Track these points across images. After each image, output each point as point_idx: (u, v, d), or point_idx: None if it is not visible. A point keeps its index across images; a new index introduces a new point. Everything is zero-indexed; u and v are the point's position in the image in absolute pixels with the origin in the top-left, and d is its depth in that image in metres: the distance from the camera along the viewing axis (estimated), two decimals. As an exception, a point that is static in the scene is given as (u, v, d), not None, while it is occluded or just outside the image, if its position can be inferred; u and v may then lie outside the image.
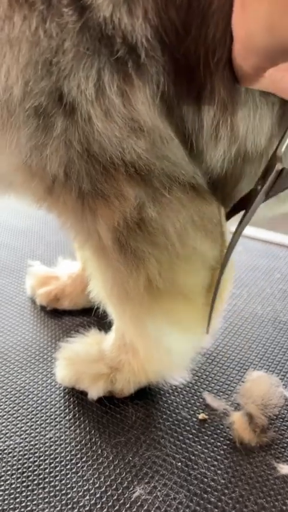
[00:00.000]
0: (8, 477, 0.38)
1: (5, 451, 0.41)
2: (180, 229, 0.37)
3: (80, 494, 0.37)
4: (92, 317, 0.59)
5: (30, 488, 0.37)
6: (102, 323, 0.57)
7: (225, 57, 0.33)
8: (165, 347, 0.44)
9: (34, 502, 0.36)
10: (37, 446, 0.41)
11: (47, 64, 0.32)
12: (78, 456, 0.40)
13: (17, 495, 0.37)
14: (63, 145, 0.34)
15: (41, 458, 0.40)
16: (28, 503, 0.36)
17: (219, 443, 0.42)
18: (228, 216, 0.41)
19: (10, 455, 0.40)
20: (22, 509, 0.36)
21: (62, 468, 0.39)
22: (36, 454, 0.40)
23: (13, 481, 0.38)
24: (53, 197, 0.37)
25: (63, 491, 0.37)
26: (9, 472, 0.39)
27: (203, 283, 0.41)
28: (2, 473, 0.39)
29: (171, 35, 0.32)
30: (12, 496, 0.37)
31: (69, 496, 0.37)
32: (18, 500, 0.37)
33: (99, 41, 0.31)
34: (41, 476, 0.38)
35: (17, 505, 0.36)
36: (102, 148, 0.34)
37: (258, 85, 0.33)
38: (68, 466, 0.39)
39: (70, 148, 0.34)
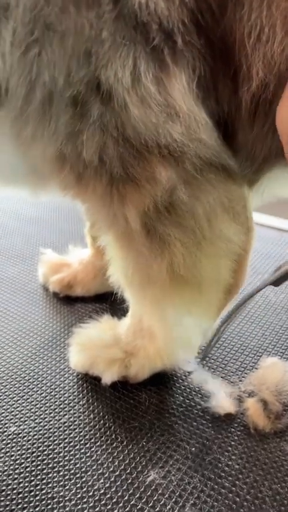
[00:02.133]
0: (23, 460, 0.39)
1: (20, 435, 0.41)
2: (209, 211, 0.38)
3: (95, 477, 0.37)
4: (104, 303, 0.59)
5: (45, 471, 0.38)
6: (115, 309, 0.57)
7: (263, 38, 0.33)
8: (183, 332, 0.44)
9: (49, 485, 0.37)
10: (51, 430, 0.41)
11: (87, 53, 0.33)
12: (92, 440, 0.40)
13: (32, 478, 0.37)
14: (98, 131, 0.34)
15: (55, 442, 0.40)
16: (43, 486, 0.37)
17: (233, 429, 0.42)
18: None
19: (25, 439, 0.41)
20: (37, 492, 0.36)
21: (77, 452, 0.39)
22: (51, 438, 0.41)
23: (28, 465, 0.38)
24: (82, 184, 0.38)
25: (78, 475, 0.37)
26: (24, 456, 0.39)
27: (224, 270, 0.41)
28: (17, 457, 0.39)
29: (208, 17, 0.33)
30: (27, 479, 0.37)
31: (83, 479, 0.37)
32: (33, 483, 0.37)
33: (135, 29, 0.32)
34: (56, 459, 0.39)
35: (32, 488, 0.36)
36: (137, 132, 0.34)
37: None
38: (82, 450, 0.39)
39: (105, 133, 0.34)
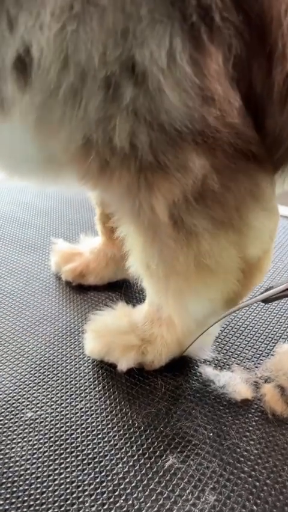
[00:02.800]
0: (40, 445, 0.39)
1: (37, 420, 0.41)
2: (239, 200, 0.37)
3: (113, 462, 0.37)
4: (116, 292, 0.59)
5: (63, 456, 0.38)
6: (129, 296, 0.57)
7: None
8: (203, 322, 0.44)
9: (68, 470, 0.36)
10: (68, 416, 0.41)
11: (125, 31, 0.31)
12: (109, 426, 0.40)
13: (50, 463, 0.37)
14: (131, 115, 0.33)
15: (72, 427, 0.40)
16: (62, 471, 0.36)
17: (250, 415, 0.41)
18: None
19: (41, 424, 0.40)
20: (56, 477, 0.36)
21: (94, 437, 0.39)
22: (68, 424, 0.40)
23: (46, 449, 0.38)
24: (106, 173, 0.36)
25: (96, 459, 0.37)
26: (41, 441, 0.39)
27: (247, 260, 0.41)
28: (35, 442, 0.39)
29: None
30: (45, 464, 0.37)
31: (102, 463, 0.37)
32: (51, 467, 0.37)
33: (172, 4, 0.31)
34: (73, 444, 0.39)
35: (50, 472, 0.36)
36: (171, 117, 0.33)
37: None
38: (100, 435, 0.39)
39: (138, 118, 0.33)
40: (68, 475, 0.36)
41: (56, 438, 0.39)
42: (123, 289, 0.59)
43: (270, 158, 0.39)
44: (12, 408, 0.42)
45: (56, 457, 0.38)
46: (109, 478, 0.36)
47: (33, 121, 0.36)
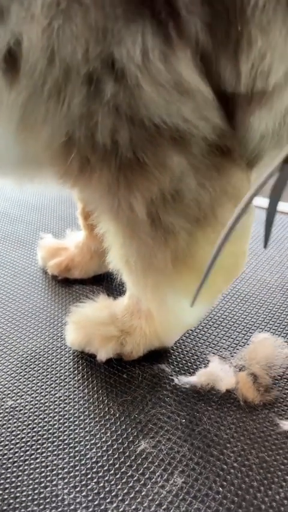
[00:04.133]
0: (19, 432, 0.40)
1: (16, 408, 0.42)
2: (213, 198, 0.38)
3: (87, 447, 0.39)
4: (101, 285, 0.60)
5: (39, 442, 0.39)
6: (111, 289, 0.58)
7: (260, 4, 0.33)
8: (180, 315, 0.45)
9: (43, 455, 0.38)
10: (47, 404, 0.43)
11: (105, 30, 0.32)
12: (86, 413, 0.42)
13: (27, 448, 0.39)
14: (112, 111, 0.34)
15: (50, 415, 0.42)
16: (38, 456, 0.38)
17: (223, 402, 0.43)
18: None
19: (21, 412, 0.42)
20: (32, 461, 0.37)
21: (70, 424, 0.41)
22: (46, 411, 0.42)
23: (23, 436, 0.40)
24: (86, 171, 0.37)
25: (71, 445, 0.39)
26: (20, 428, 0.40)
27: (224, 258, 0.41)
28: (14, 429, 0.40)
29: None
30: (22, 449, 0.38)
31: (76, 449, 0.38)
32: (28, 453, 0.38)
33: (142, 3, 0.32)
34: (50, 431, 0.40)
35: (27, 457, 0.38)
36: (150, 112, 0.34)
37: None
38: (76, 422, 0.41)
39: (119, 114, 0.34)
40: (43, 460, 0.38)
41: (34, 426, 0.41)
42: (107, 283, 0.60)
43: (244, 154, 0.40)
44: (-6, 397, 0.44)
45: (32, 443, 0.39)
46: (82, 462, 0.37)
47: (16, 120, 0.36)
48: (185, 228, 0.39)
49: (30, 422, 0.41)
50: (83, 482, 0.36)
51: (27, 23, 0.32)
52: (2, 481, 0.36)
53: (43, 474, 0.36)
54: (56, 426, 0.40)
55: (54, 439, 0.39)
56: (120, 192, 0.37)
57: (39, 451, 0.38)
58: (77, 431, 0.40)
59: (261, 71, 0.35)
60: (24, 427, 0.40)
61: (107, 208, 0.40)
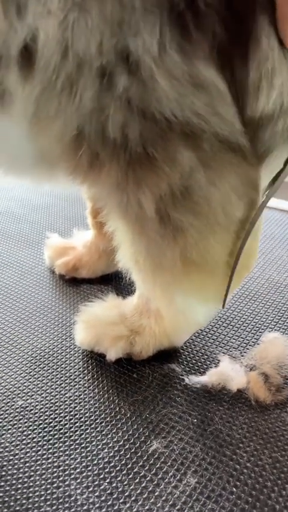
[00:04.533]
0: (29, 432, 0.40)
1: (27, 408, 0.42)
2: (225, 196, 0.38)
3: (99, 447, 0.38)
4: (109, 284, 0.60)
5: (51, 442, 0.39)
6: (120, 289, 0.58)
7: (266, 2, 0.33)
8: (190, 315, 0.45)
9: (55, 455, 0.38)
10: (57, 404, 0.43)
11: (121, 21, 0.32)
12: (97, 413, 0.41)
13: (39, 448, 0.38)
14: (124, 104, 0.34)
15: (61, 415, 0.41)
16: (49, 456, 0.38)
17: (234, 401, 0.42)
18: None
19: (31, 412, 0.42)
20: (43, 461, 0.37)
21: (81, 424, 0.40)
22: (57, 411, 0.42)
23: (34, 436, 0.39)
24: (95, 166, 0.37)
25: (83, 445, 0.39)
26: (30, 427, 0.40)
27: (233, 256, 0.42)
28: (24, 429, 0.40)
29: None
30: (34, 449, 0.38)
31: (88, 449, 0.38)
32: (40, 452, 0.38)
33: None
34: (61, 431, 0.40)
35: (38, 457, 0.38)
36: (162, 106, 0.34)
37: None
38: (87, 422, 0.41)
39: (130, 108, 0.34)
40: (55, 460, 0.37)
41: (45, 425, 0.40)
42: (115, 282, 0.60)
43: (255, 151, 0.40)
44: (4, 397, 0.43)
45: (44, 443, 0.39)
46: (94, 462, 0.37)
47: (30, 114, 0.36)
48: (194, 225, 0.38)
49: (41, 422, 0.41)
50: (96, 483, 0.36)
51: (43, 18, 0.31)
52: (14, 481, 0.36)
53: (55, 474, 0.36)
54: (67, 426, 0.40)
55: (66, 439, 0.39)
56: (129, 188, 0.37)
57: (50, 451, 0.38)
58: (88, 431, 0.40)
59: (265, 72, 0.35)
60: (35, 427, 0.40)
61: (115, 205, 0.40)
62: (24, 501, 0.34)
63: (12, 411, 0.42)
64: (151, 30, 0.32)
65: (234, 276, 0.43)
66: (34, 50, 0.32)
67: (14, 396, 0.43)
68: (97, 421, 0.41)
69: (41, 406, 0.42)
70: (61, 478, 0.36)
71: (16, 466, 0.37)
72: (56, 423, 0.41)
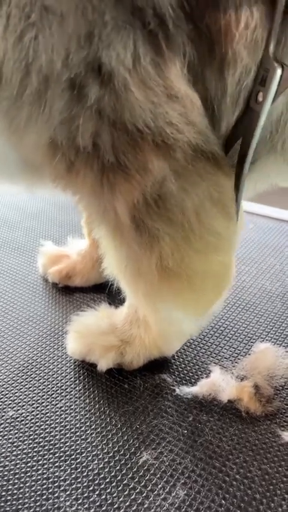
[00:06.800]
0: (20, 443, 0.40)
1: (17, 419, 0.42)
2: (198, 204, 0.38)
3: (89, 459, 0.38)
4: (102, 293, 0.60)
5: (40, 453, 0.39)
6: (113, 298, 0.58)
7: (251, 25, 0.35)
8: (176, 324, 0.45)
9: (45, 466, 0.38)
10: (48, 414, 0.43)
11: (88, 35, 0.32)
12: (87, 424, 0.42)
13: (29, 459, 0.38)
14: (95, 115, 0.34)
15: (52, 425, 0.41)
16: (39, 467, 0.38)
17: (225, 412, 0.42)
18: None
19: (22, 422, 0.42)
20: (33, 473, 0.37)
21: (72, 435, 0.40)
22: (47, 422, 0.42)
23: (24, 447, 0.39)
24: (72, 173, 0.37)
25: (73, 456, 0.39)
26: (21, 439, 0.40)
27: (213, 264, 0.42)
28: (14, 440, 0.40)
29: (192, 3, 0.34)
30: (24, 461, 0.38)
31: (78, 460, 0.38)
32: (29, 464, 0.38)
33: (132, 13, 0.32)
34: (52, 442, 0.40)
35: (28, 469, 0.38)
36: (135, 115, 0.34)
37: None
38: (78, 433, 0.41)
39: (101, 117, 0.34)
40: (44, 471, 0.37)
41: (35, 436, 0.40)
42: (108, 291, 0.60)
43: (229, 161, 0.40)
44: (-5, 407, 0.43)
45: (34, 454, 0.39)
46: (84, 473, 0.37)
47: (4, 127, 0.37)
48: (169, 233, 0.39)
49: (31, 433, 0.41)
50: (85, 495, 0.36)
51: None
52: (3, 493, 0.36)
53: (45, 486, 0.36)
54: (57, 437, 0.40)
55: (56, 450, 0.39)
56: (104, 195, 0.38)
57: (40, 462, 0.38)
58: (78, 442, 0.40)
59: (246, 86, 0.36)
60: (25, 438, 0.40)
61: (95, 212, 0.41)
62: (13, 513, 0.34)
63: (2, 422, 0.42)
64: (125, 44, 0.33)
65: (212, 286, 0.43)
66: None
67: (5, 406, 0.43)
68: (88, 432, 0.41)
69: (32, 417, 0.42)
70: (51, 490, 0.36)
71: (6, 478, 0.37)
72: (46, 435, 0.41)
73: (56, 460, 0.38)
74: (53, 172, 0.38)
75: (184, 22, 0.34)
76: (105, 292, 0.60)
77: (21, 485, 0.36)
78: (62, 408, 0.43)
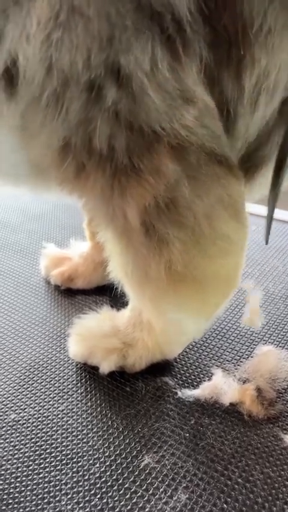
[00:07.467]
0: (21, 446, 0.40)
1: (19, 422, 0.42)
2: (209, 208, 0.38)
3: (90, 462, 0.38)
4: (104, 296, 0.60)
5: (42, 456, 0.39)
6: (115, 300, 0.58)
7: (265, 28, 0.35)
8: (181, 328, 0.45)
9: (46, 469, 0.38)
10: (50, 417, 0.43)
11: (110, 38, 0.33)
12: (89, 427, 0.41)
13: (30, 463, 0.38)
14: (112, 117, 0.34)
15: (54, 428, 0.41)
16: (40, 470, 0.38)
17: (227, 415, 0.42)
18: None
19: (24, 425, 0.42)
20: (35, 476, 0.37)
21: (74, 438, 0.40)
22: (49, 425, 0.42)
23: (26, 450, 0.39)
24: (81, 177, 0.37)
25: (74, 459, 0.39)
26: (22, 442, 0.40)
27: (219, 269, 0.42)
28: (16, 443, 0.40)
29: (211, 5, 0.34)
30: (25, 464, 0.38)
31: (79, 463, 0.38)
32: (31, 467, 0.38)
33: (151, 18, 0.33)
34: (53, 445, 0.40)
35: (29, 472, 0.38)
36: (151, 118, 0.34)
37: None
38: (79, 436, 0.41)
39: (118, 120, 0.34)
40: (46, 475, 0.37)
41: (37, 439, 0.40)
42: (110, 293, 0.60)
43: (241, 165, 0.40)
44: (-3, 410, 0.43)
45: (35, 457, 0.39)
46: (86, 477, 0.37)
47: (18, 127, 0.37)
48: (180, 237, 0.38)
49: (33, 436, 0.41)
50: (87, 498, 0.36)
51: (23, 41, 0.32)
52: (5, 496, 0.36)
53: (46, 489, 0.36)
54: (59, 440, 0.40)
55: (58, 453, 0.39)
56: (114, 199, 0.38)
57: (42, 465, 0.38)
58: (80, 445, 0.40)
59: (265, 88, 0.36)
60: (27, 441, 0.40)
61: (103, 216, 0.41)
62: (14, 517, 0.34)
63: (4, 425, 0.42)
64: (143, 48, 0.33)
65: (218, 289, 0.43)
66: (15, 72, 0.33)
67: (7, 409, 0.43)
68: (89, 435, 0.41)
69: (34, 420, 0.42)
70: (52, 494, 0.36)
71: (7, 481, 0.37)
72: (48, 438, 0.41)
73: (57, 463, 0.38)
74: (60, 176, 0.38)
75: (202, 26, 0.34)
76: (108, 294, 0.60)
77: (23, 488, 0.36)
78: (64, 411, 0.43)
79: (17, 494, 0.36)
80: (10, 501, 0.35)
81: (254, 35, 0.35)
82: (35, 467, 0.38)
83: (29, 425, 0.42)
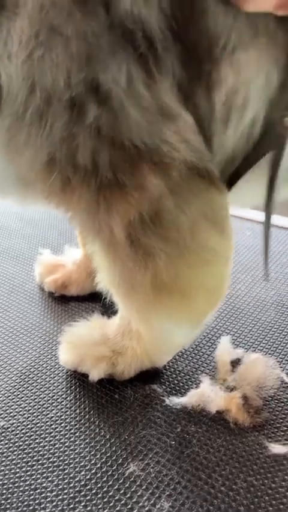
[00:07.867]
0: (9, 453, 0.40)
1: (8, 429, 0.43)
2: (192, 221, 0.39)
3: (77, 469, 0.39)
4: (97, 303, 0.61)
5: (29, 463, 0.40)
6: (107, 308, 0.59)
7: (231, 45, 0.35)
8: (169, 337, 0.46)
9: (33, 477, 0.38)
10: (38, 424, 0.43)
11: (88, 57, 0.33)
12: (77, 434, 0.42)
13: (17, 470, 0.39)
14: (94, 133, 0.35)
15: (42, 436, 0.42)
16: (27, 478, 0.38)
17: (213, 423, 0.43)
18: (232, 181, 0.42)
19: (13, 433, 0.42)
20: (21, 483, 0.38)
21: (61, 445, 0.41)
22: (37, 432, 0.42)
23: (14, 457, 0.40)
24: (67, 191, 0.38)
25: (61, 467, 0.39)
26: (11, 449, 0.41)
27: (204, 281, 0.43)
28: (4, 450, 0.41)
29: (179, 22, 0.34)
30: (12, 471, 0.39)
31: (66, 471, 0.39)
32: (18, 475, 0.39)
33: (123, 37, 0.33)
34: (41, 452, 0.40)
35: (16, 479, 0.38)
36: (132, 134, 0.35)
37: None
38: (66, 444, 0.41)
39: (100, 136, 0.35)
40: (32, 482, 0.38)
41: (25, 447, 0.41)
42: (103, 300, 0.61)
43: (222, 177, 0.41)
44: (-13, 417, 0.44)
45: (22, 465, 0.39)
46: (71, 484, 0.38)
47: (4, 142, 0.37)
48: (165, 250, 0.39)
49: (21, 443, 0.41)
50: (71, 506, 0.36)
51: (4, 60, 0.33)
52: (-9, 504, 0.36)
53: (32, 497, 0.37)
54: (46, 447, 0.41)
55: (45, 461, 0.40)
56: (99, 214, 0.38)
57: (28, 473, 0.39)
58: (67, 452, 0.40)
59: (235, 105, 0.36)
60: (14, 448, 0.41)
61: (89, 229, 0.41)
62: (-1, 524, 0.35)
63: (-7, 432, 0.43)
64: (119, 67, 0.34)
65: (205, 298, 0.44)
66: None
67: (-4, 416, 0.44)
68: (76, 443, 0.41)
69: (23, 427, 0.43)
70: (37, 501, 0.37)
71: (-6, 488, 0.38)
72: (35, 445, 0.41)
73: (44, 470, 0.39)
74: (47, 190, 0.39)
75: (172, 43, 0.34)
76: (100, 301, 0.61)
77: (9, 495, 0.37)
78: (53, 419, 0.44)
79: (3, 501, 0.37)
80: (-4, 508, 0.36)
81: (220, 51, 0.36)
82: (22, 474, 0.39)
83: (17, 432, 0.43)
